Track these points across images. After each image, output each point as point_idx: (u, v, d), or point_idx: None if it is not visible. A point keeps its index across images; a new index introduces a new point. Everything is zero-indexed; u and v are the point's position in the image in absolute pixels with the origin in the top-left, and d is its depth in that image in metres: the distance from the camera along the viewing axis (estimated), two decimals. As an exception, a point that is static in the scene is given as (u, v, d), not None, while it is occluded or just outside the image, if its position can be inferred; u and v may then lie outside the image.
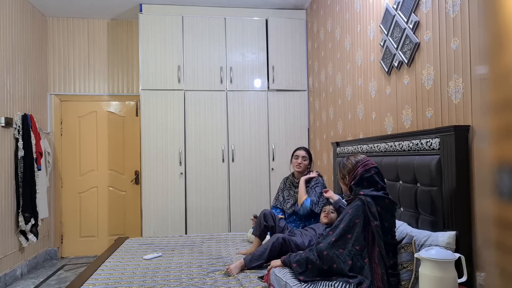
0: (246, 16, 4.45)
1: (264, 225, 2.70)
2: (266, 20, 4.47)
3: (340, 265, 1.73)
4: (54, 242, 4.64)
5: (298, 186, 3.02)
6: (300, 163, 3.02)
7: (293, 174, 3.14)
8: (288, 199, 3.09)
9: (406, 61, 2.34)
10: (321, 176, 3.03)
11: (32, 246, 4.12)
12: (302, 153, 3.05)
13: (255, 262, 2.37)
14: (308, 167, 3.06)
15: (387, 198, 1.80)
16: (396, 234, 1.87)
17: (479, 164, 1.73)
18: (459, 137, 1.80)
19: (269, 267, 2.16)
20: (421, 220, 2.05)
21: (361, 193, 1.82)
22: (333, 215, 2.58)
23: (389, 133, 2.61)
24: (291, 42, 4.49)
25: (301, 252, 1.98)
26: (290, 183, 3.12)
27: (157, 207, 4.15)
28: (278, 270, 2.01)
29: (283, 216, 3.06)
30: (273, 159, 4.40)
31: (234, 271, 2.31)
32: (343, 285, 1.67)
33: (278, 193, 3.21)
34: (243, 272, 2.33)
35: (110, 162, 4.80)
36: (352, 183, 1.90)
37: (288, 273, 1.94)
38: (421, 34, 2.21)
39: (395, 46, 2.47)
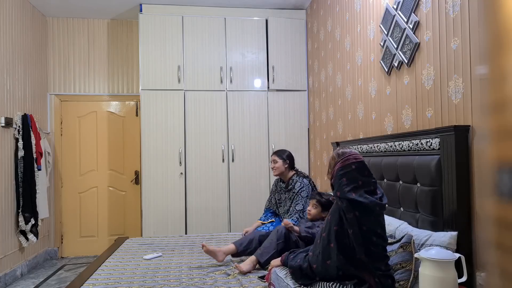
0: (246, 16, 4.45)
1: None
2: (266, 20, 4.47)
3: (333, 275, 1.69)
4: (54, 242, 4.63)
5: (285, 191, 3.04)
6: (272, 167, 3.06)
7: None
8: (280, 203, 3.14)
9: (406, 61, 2.34)
10: (306, 177, 3.01)
11: (32, 246, 4.12)
12: (272, 157, 3.09)
13: (266, 255, 2.32)
14: (286, 167, 3.02)
15: (363, 202, 1.63)
16: (384, 234, 1.73)
17: (479, 164, 1.73)
18: (459, 137, 1.80)
19: (269, 266, 2.16)
20: (421, 220, 2.05)
21: (338, 194, 1.68)
22: (315, 211, 2.52)
23: (389, 133, 2.61)
24: (291, 42, 4.49)
25: (300, 252, 1.96)
26: (280, 187, 3.15)
27: (157, 207, 4.15)
28: (279, 270, 2.01)
29: (273, 220, 3.08)
30: (273, 159, 4.40)
31: (244, 267, 2.29)
32: (340, 286, 1.67)
33: (270, 195, 3.27)
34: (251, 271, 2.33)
35: (110, 162, 4.80)
36: (332, 180, 1.77)
37: (290, 273, 1.94)
38: (421, 34, 2.21)
39: (395, 46, 2.47)
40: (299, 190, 2.91)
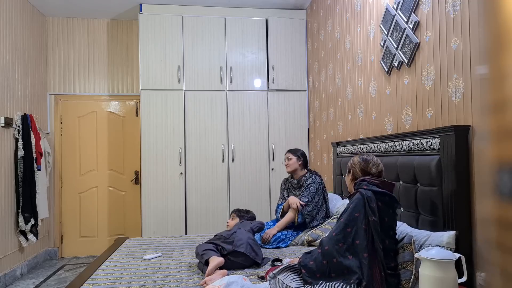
0: (246, 16, 4.45)
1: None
2: (266, 20, 4.47)
3: (340, 259, 1.71)
4: (54, 242, 4.64)
5: (296, 188, 3.07)
6: (286, 164, 3.12)
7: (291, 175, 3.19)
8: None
9: (406, 61, 2.34)
10: (319, 176, 3.04)
11: (32, 246, 4.12)
12: (286, 154, 3.15)
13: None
14: (300, 164, 3.08)
15: (387, 194, 1.78)
16: (396, 234, 1.85)
17: (479, 164, 1.73)
18: (459, 137, 1.80)
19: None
20: (421, 220, 2.05)
21: (365, 187, 1.80)
22: (232, 222, 2.77)
23: (389, 133, 2.61)
24: (291, 42, 4.49)
25: (315, 249, 1.92)
26: (290, 184, 3.19)
27: (157, 207, 4.15)
28: (277, 272, 2.00)
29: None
30: (273, 159, 4.40)
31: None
32: (343, 286, 1.67)
33: (281, 192, 3.30)
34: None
35: (110, 162, 4.80)
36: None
37: (290, 275, 1.92)
38: (421, 34, 2.20)
39: (395, 46, 2.47)
40: (309, 184, 2.95)
